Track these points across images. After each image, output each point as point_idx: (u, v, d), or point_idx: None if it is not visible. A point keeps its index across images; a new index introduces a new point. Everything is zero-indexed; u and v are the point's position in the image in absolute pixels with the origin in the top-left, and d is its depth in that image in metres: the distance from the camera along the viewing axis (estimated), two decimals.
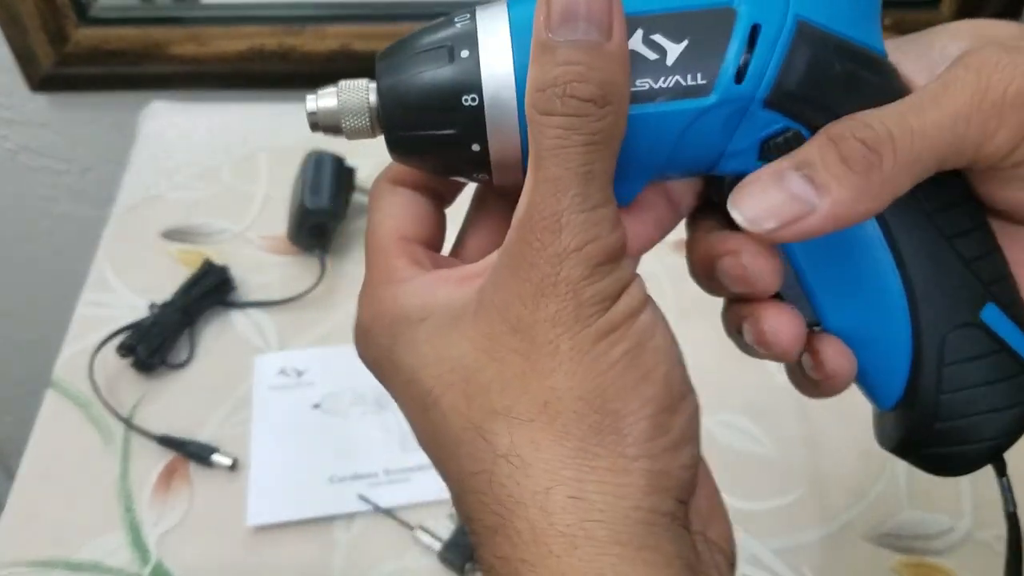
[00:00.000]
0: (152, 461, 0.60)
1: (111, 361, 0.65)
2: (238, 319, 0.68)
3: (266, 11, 0.85)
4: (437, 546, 0.55)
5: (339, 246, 0.72)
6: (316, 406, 0.63)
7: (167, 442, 0.60)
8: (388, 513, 0.57)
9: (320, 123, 0.29)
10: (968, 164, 0.26)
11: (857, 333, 0.30)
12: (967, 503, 0.57)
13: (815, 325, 0.31)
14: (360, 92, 0.29)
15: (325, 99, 0.29)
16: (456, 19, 0.28)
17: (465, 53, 0.27)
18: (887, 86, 0.27)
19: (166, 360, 0.65)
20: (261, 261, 0.72)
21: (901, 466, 0.59)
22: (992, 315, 0.29)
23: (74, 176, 0.97)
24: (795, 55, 0.26)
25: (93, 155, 0.95)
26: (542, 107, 0.25)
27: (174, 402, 0.63)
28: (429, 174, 0.31)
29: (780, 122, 0.27)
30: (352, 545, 0.56)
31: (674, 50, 0.26)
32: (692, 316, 0.68)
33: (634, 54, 0.26)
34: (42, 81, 0.87)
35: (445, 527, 0.56)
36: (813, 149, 0.25)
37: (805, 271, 0.30)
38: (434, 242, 0.32)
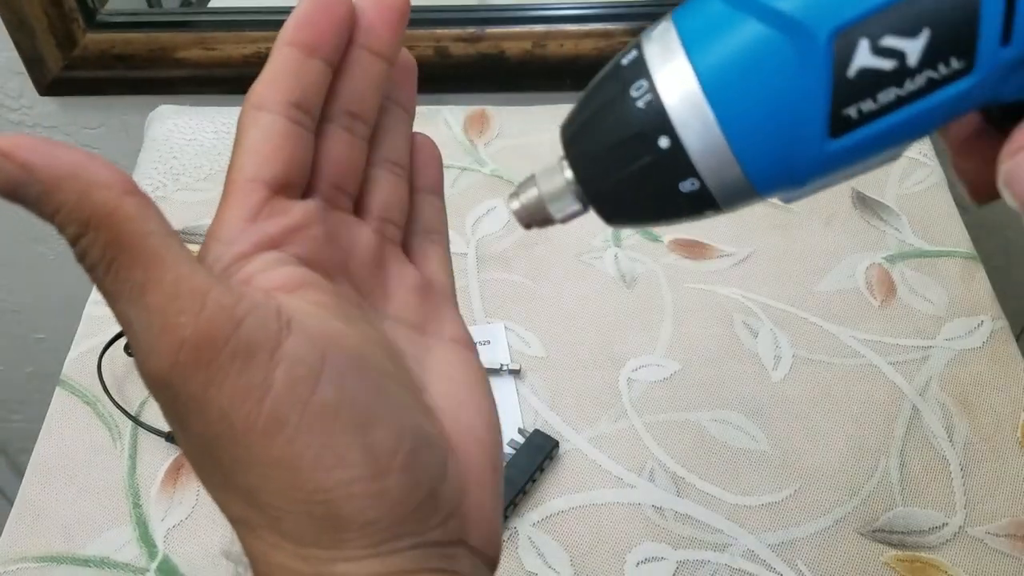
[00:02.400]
0: (159, 457, 0.61)
1: (119, 360, 0.66)
2: None
3: (272, 16, 0.86)
4: None
5: None
6: None
7: (174, 439, 0.61)
8: None
9: (528, 219, 0.28)
10: None
11: None
12: (960, 499, 0.58)
13: None
14: (554, 172, 0.27)
15: (525, 194, 0.28)
16: (623, 59, 0.25)
17: (664, 142, 0.24)
18: None
19: None
20: None
21: (894, 463, 0.60)
22: None
23: None
24: None
25: (101, 157, 0.96)
26: None
27: None
28: (654, 225, 0.27)
29: None
30: None
31: (914, 47, 0.22)
32: (691, 316, 0.69)
33: (864, 71, 0.22)
34: (51, 85, 0.88)
35: None
36: None
37: None
38: (296, 186, 0.27)
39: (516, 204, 0.28)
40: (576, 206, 0.28)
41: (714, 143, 0.23)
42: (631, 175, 0.25)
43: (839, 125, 0.23)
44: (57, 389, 0.65)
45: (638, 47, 0.25)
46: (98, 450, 0.62)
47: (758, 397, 0.63)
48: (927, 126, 0.23)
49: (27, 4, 0.82)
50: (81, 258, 0.24)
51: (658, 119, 0.23)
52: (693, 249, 0.72)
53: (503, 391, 0.64)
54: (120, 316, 0.24)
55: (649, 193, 0.25)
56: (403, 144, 0.31)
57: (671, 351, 0.66)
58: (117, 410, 0.63)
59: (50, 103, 0.92)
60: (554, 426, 0.62)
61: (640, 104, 0.24)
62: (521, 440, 0.60)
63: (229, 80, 0.88)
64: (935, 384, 0.64)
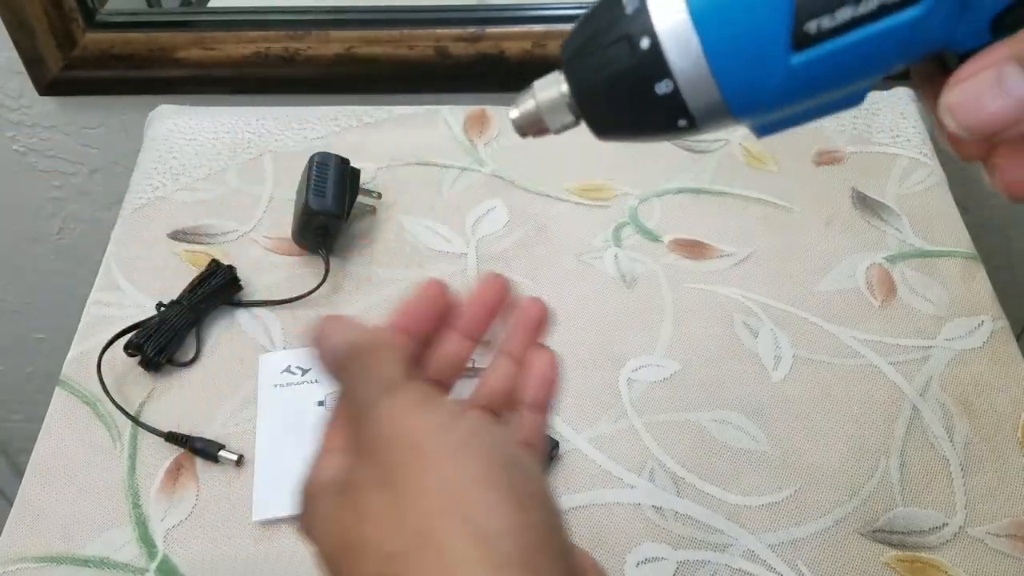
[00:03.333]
0: (159, 457, 0.61)
1: (119, 360, 0.66)
2: (244, 318, 0.69)
3: (271, 16, 0.86)
4: None
5: (343, 246, 0.73)
6: (320, 403, 0.64)
7: (174, 439, 0.61)
8: None
9: (525, 127, 0.30)
10: None
11: None
12: (960, 499, 0.58)
13: None
14: (552, 84, 0.29)
15: (524, 104, 0.30)
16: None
17: (646, 43, 0.26)
18: None
19: (173, 359, 0.66)
20: (266, 261, 0.73)
21: (895, 463, 0.60)
22: None
23: (82, 178, 0.98)
24: None
25: (101, 157, 0.96)
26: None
27: (181, 400, 0.64)
28: (634, 141, 0.29)
29: None
30: None
31: None
32: (691, 316, 0.69)
33: None
34: (50, 85, 0.88)
35: None
36: None
37: None
38: None
39: (515, 113, 0.30)
40: (569, 117, 0.29)
41: (689, 45, 0.25)
42: (614, 76, 0.27)
43: (801, 39, 0.25)
44: (57, 389, 0.65)
45: None
46: (98, 450, 0.62)
47: (758, 397, 0.63)
48: (883, 58, 0.25)
49: (27, 4, 0.82)
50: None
51: (642, 23, 0.25)
52: (693, 249, 0.72)
53: None
54: None
55: (629, 95, 0.27)
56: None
57: (671, 351, 0.66)
58: (117, 410, 0.63)
59: (50, 103, 0.92)
60: (554, 426, 0.62)
61: (629, 11, 0.26)
62: None
63: (229, 80, 0.88)
64: (935, 384, 0.64)
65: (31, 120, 0.93)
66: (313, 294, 0.69)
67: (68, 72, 0.87)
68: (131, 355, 0.65)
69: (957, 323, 0.67)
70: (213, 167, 0.80)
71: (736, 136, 0.80)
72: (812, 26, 0.25)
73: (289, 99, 0.87)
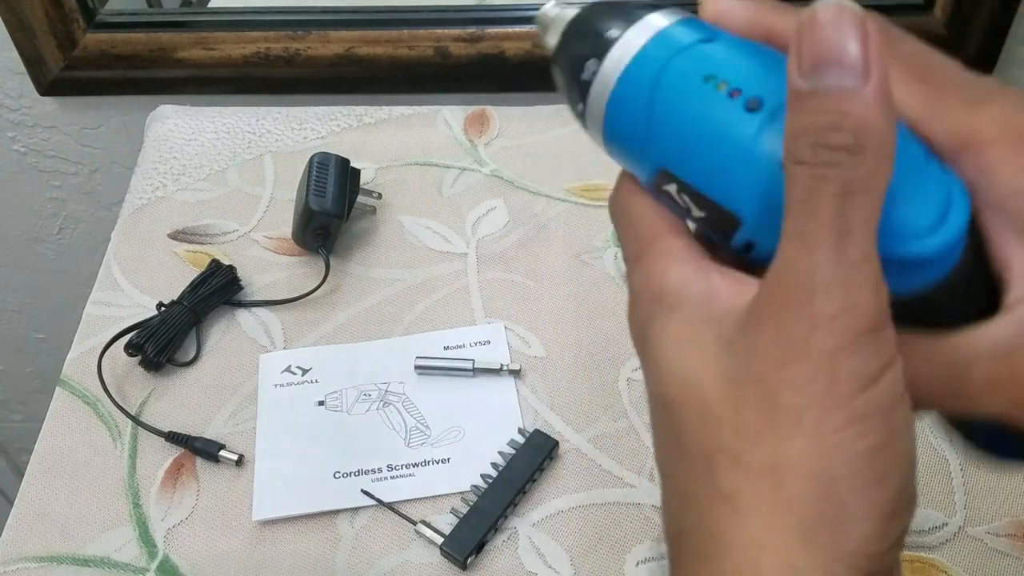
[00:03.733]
0: (159, 457, 0.61)
1: (119, 360, 0.66)
2: (244, 318, 0.69)
3: (271, 16, 0.86)
4: (439, 540, 0.56)
5: (343, 247, 0.73)
6: (320, 403, 0.64)
7: (174, 439, 0.61)
8: (391, 508, 0.58)
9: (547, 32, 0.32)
10: None
11: None
12: (960, 499, 0.58)
13: None
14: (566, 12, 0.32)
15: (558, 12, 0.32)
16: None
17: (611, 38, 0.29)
18: None
19: (173, 358, 0.66)
20: (267, 261, 0.73)
21: None
22: None
23: (82, 178, 0.98)
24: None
25: (101, 157, 0.96)
26: (794, 156, 0.23)
27: (181, 400, 0.64)
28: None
29: None
30: (356, 539, 0.57)
31: (696, 211, 0.28)
32: None
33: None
34: (51, 85, 0.88)
35: (447, 522, 0.57)
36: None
37: None
38: None
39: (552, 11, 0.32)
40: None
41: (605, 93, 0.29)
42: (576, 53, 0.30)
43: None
44: (57, 389, 0.65)
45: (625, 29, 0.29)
46: (98, 450, 0.62)
47: None
48: None
49: (27, 4, 0.82)
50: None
51: (606, 48, 0.29)
52: None
53: (503, 391, 0.64)
54: None
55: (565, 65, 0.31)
56: None
57: None
58: (117, 410, 0.63)
59: (50, 103, 0.92)
60: (554, 426, 0.62)
61: (609, 33, 0.29)
62: (521, 440, 0.60)
63: (229, 80, 0.88)
64: None
65: (31, 120, 0.93)
66: (313, 294, 0.69)
67: (68, 72, 0.87)
68: (131, 355, 0.65)
69: None
70: (213, 167, 0.80)
71: None
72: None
73: (289, 99, 0.87)
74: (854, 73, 0.22)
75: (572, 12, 0.32)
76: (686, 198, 0.28)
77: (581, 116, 0.31)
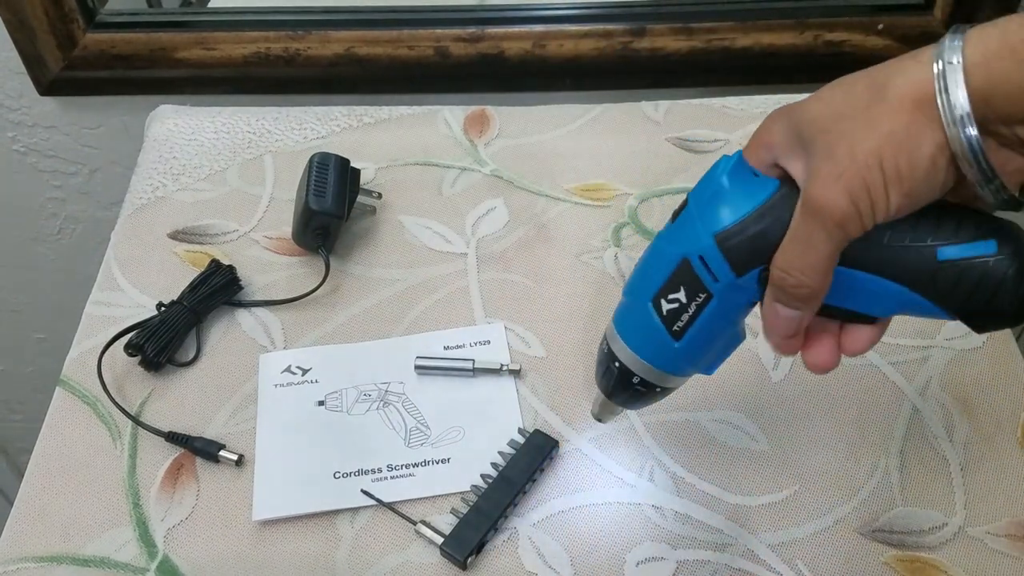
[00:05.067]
0: (159, 457, 0.61)
1: (119, 360, 0.66)
2: (244, 318, 0.69)
3: (271, 16, 0.86)
4: (439, 540, 0.56)
5: (343, 246, 0.73)
6: (320, 403, 0.64)
7: (174, 439, 0.61)
8: (391, 508, 0.58)
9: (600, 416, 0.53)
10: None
11: None
12: (960, 499, 0.58)
13: None
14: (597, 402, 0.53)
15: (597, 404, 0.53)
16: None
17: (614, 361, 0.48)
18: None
19: (173, 358, 0.66)
20: (267, 261, 0.73)
21: (894, 463, 0.60)
22: None
23: (82, 178, 0.98)
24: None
25: (101, 157, 0.96)
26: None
27: (181, 400, 0.64)
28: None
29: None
30: (356, 539, 0.57)
31: (681, 295, 0.43)
32: None
33: (670, 309, 0.43)
34: (51, 85, 0.88)
35: (447, 522, 0.57)
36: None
37: None
38: None
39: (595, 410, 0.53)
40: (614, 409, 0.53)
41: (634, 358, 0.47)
42: (611, 384, 0.49)
43: (675, 335, 0.44)
44: (57, 389, 0.65)
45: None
46: (98, 450, 0.62)
47: (758, 397, 0.63)
48: (724, 322, 0.43)
49: (27, 4, 0.82)
50: None
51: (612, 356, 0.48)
52: None
53: (503, 391, 0.64)
54: None
55: (621, 386, 0.49)
56: None
57: None
58: (117, 410, 0.63)
59: (50, 103, 0.92)
60: (554, 426, 0.62)
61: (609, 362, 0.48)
62: (521, 440, 0.60)
63: (229, 80, 0.88)
64: (935, 384, 0.64)
65: (31, 120, 0.93)
66: (313, 294, 0.69)
67: (68, 72, 0.87)
68: (131, 355, 0.65)
69: (957, 323, 0.67)
70: (213, 167, 0.80)
71: (735, 136, 0.80)
72: (677, 326, 0.43)
73: (289, 99, 0.87)
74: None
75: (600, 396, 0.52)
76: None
77: (651, 389, 0.48)
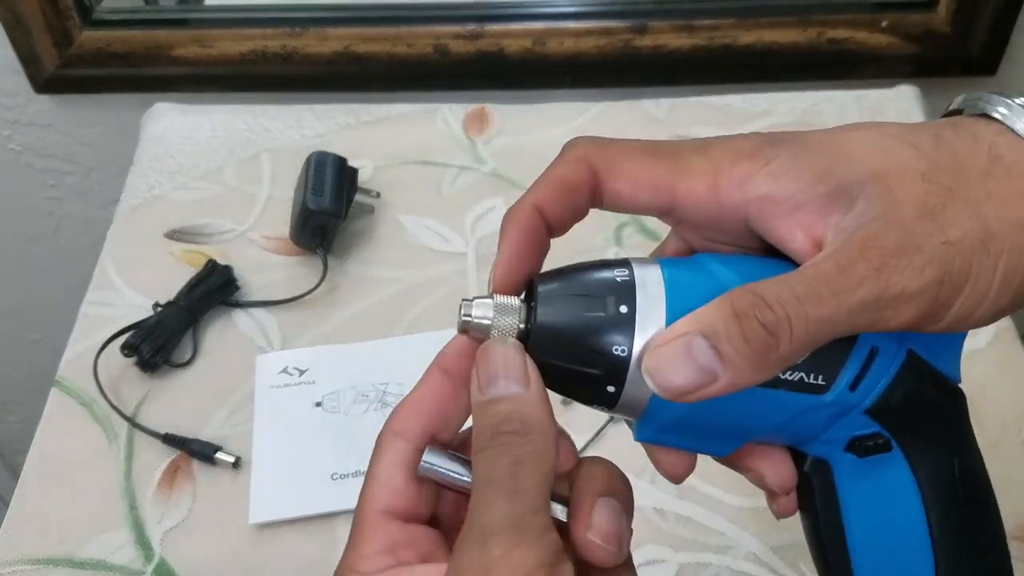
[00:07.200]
0: (156, 459, 0.61)
1: (115, 360, 0.65)
2: (241, 319, 0.69)
3: (269, 13, 0.85)
4: None
5: (341, 246, 0.73)
6: (318, 404, 0.63)
7: (171, 440, 0.61)
8: None
9: (470, 332, 0.32)
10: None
11: None
12: None
13: None
14: (512, 314, 0.32)
15: (479, 310, 0.32)
16: (615, 270, 0.32)
17: (624, 309, 0.30)
18: (959, 413, 0.33)
19: (169, 359, 0.65)
20: (264, 261, 0.72)
21: None
22: None
23: (78, 177, 0.98)
24: (901, 378, 0.31)
25: (97, 156, 0.96)
26: (480, 445, 0.29)
27: (177, 401, 0.64)
28: (551, 389, 0.33)
29: (873, 427, 0.31)
30: None
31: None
32: None
33: None
34: (46, 82, 0.88)
35: None
36: (719, 319, 0.27)
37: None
38: (423, 514, 0.33)
39: (467, 313, 0.32)
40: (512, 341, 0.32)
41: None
42: (580, 363, 0.32)
43: None
44: (53, 390, 0.64)
45: (630, 272, 0.32)
46: (94, 452, 0.61)
47: None
48: (782, 418, 0.31)
49: (23, 2, 0.81)
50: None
51: (625, 341, 0.31)
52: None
53: None
54: None
55: (577, 379, 0.33)
56: None
57: None
58: (113, 411, 0.63)
59: (46, 101, 0.91)
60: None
61: (619, 321, 0.31)
62: None
63: (226, 78, 0.87)
64: None
65: (27, 119, 0.92)
66: (311, 294, 0.69)
67: (64, 70, 0.86)
68: (127, 356, 0.65)
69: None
70: (210, 166, 0.79)
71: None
72: None
73: (287, 97, 0.87)
74: (519, 382, 0.30)
75: (522, 312, 0.32)
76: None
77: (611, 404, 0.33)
